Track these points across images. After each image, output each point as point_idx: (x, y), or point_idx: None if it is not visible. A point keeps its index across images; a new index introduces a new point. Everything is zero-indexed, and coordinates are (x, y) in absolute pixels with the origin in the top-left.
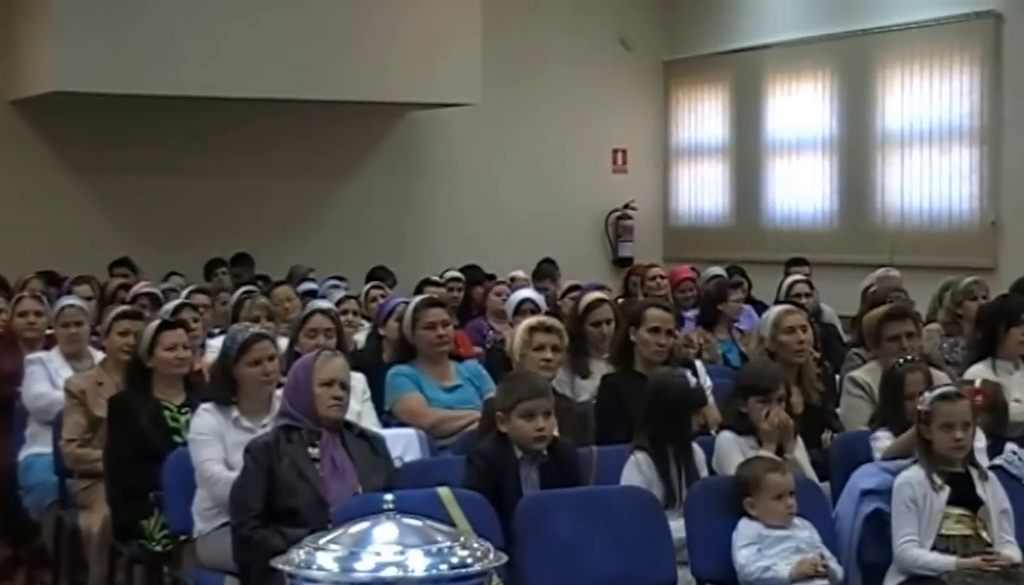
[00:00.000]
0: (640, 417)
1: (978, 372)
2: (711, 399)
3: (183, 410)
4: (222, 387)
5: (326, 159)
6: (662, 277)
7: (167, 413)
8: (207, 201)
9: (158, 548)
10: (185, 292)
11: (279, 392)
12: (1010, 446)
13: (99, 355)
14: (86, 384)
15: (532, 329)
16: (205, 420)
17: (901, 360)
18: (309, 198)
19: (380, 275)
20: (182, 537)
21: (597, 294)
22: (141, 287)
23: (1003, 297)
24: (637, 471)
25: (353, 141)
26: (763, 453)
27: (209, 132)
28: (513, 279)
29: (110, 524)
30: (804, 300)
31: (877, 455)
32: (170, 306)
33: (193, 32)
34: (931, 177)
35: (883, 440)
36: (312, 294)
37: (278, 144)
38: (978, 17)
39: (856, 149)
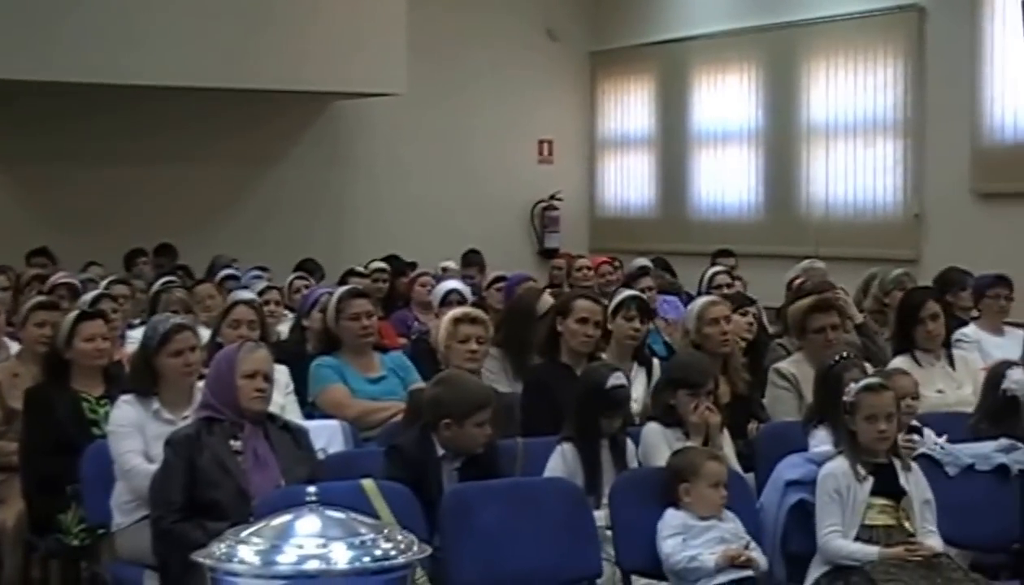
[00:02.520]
0: (569, 409)
1: (899, 363)
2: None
3: (102, 402)
4: (143, 378)
5: (250, 148)
6: (589, 268)
7: (85, 405)
8: (127, 190)
9: (75, 542)
10: (104, 282)
11: (201, 383)
12: (933, 435)
13: (15, 346)
14: (2, 376)
15: (457, 321)
16: (125, 412)
17: (837, 356)
18: (232, 187)
19: (310, 268)
20: (100, 531)
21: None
22: (59, 277)
23: (911, 292)
24: (561, 462)
25: (277, 130)
26: (689, 445)
27: (131, 120)
28: (445, 269)
29: (26, 518)
30: (725, 291)
31: (814, 450)
32: (88, 297)
33: (111, 17)
34: (855, 169)
35: (821, 437)
36: (235, 280)
37: (201, 133)
38: (901, 11)
39: (781, 141)
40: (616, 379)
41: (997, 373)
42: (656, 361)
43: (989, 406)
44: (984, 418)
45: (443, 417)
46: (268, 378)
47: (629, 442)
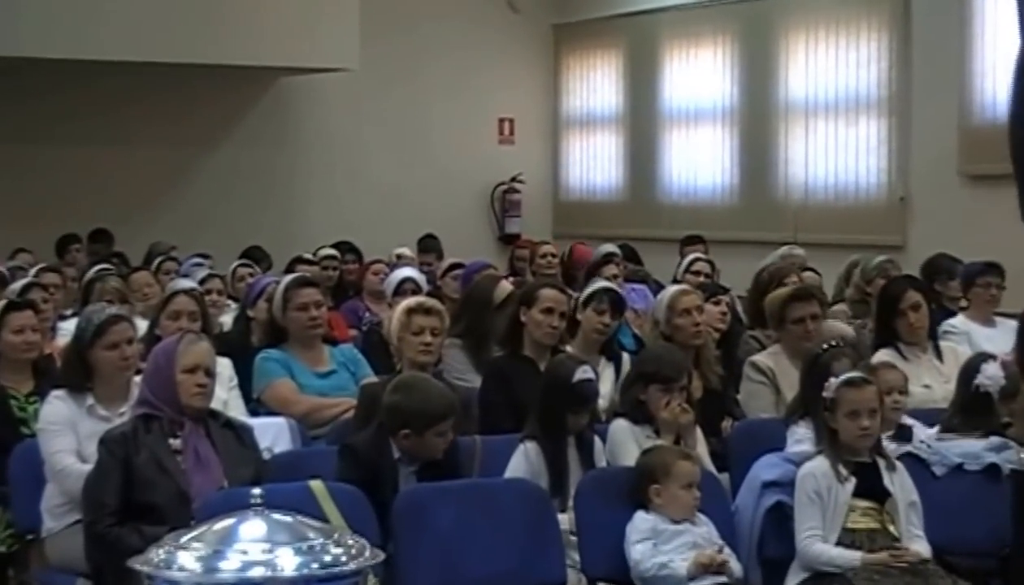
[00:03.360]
0: (532, 404)
1: (883, 356)
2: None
3: (31, 399)
4: (76, 372)
5: (191, 127)
6: (553, 255)
7: (13, 402)
8: (59, 172)
9: (2, 548)
10: (34, 270)
11: (138, 378)
12: (923, 432)
13: None
14: None
15: (410, 311)
16: (56, 408)
17: (826, 345)
18: (172, 169)
19: (255, 255)
20: (29, 536)
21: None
22: None
23: (891, 281)
24: (524, 461)
25: (220, 108)
26: (660, 444)
27: (62, 97)
28: (399, 256)
29: None
30: (703, 279)
31: (794, 450)
32: (17, 286)
33: None
34: (837, 150)
35: (801, 435)
36: (175, 267)
37: (138, 111)
38: None
39: (758, 120)
40: (584, 373)
41: (971, 366)
42: (625, 355)
43: (962, 401)
44: (957, 413)
45: (402, 427)
46: (210, 372)
47: (597, 440)
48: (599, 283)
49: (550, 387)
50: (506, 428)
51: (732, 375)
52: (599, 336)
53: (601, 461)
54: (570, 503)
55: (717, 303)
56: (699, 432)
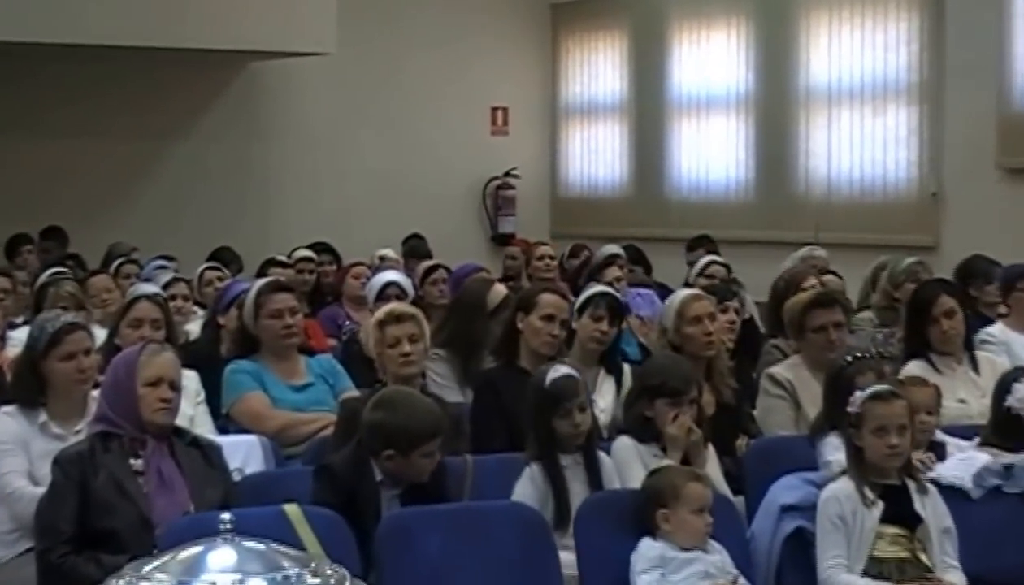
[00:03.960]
0: (528, 422)
1: (914, 369)
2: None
3: None
4: (27, 386)
5: (154, 117)
6: (551, 257)
7: None
8: (10, 166)
9: None
10: None
11: (96, 392)
12: (959, 448)
13: None
14: None
15: (381, 324)
16: (6, 426)
17: (851, 356)
18: (133, 163)
19: (224, 258)
20: None
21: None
22: None
23: (923, 285)
24: (531, 486)
25: (186, 96)
26: (667, 463)
27: (12, 84)
28: (382, 259)
29: None
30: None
31: (828, 459)
32: None
33: None
34: (862, 141)
35: (838, 443)
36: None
37: (95, 99)
38: None
39: (775, 108)
40: (556, 371)
41: (1004, 383)
42: (627, 367)
43: (995, 419)
44: (993, 432)
45: (385, 446)
46: (174, 386)
47: (605, 458)
48: (596, 287)
49: (533, 399)
50: (499, 447)
51: (747, 389)
52: (597, 345)
53: (613, 482)
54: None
55: (724, 310)
56: (711, 451)
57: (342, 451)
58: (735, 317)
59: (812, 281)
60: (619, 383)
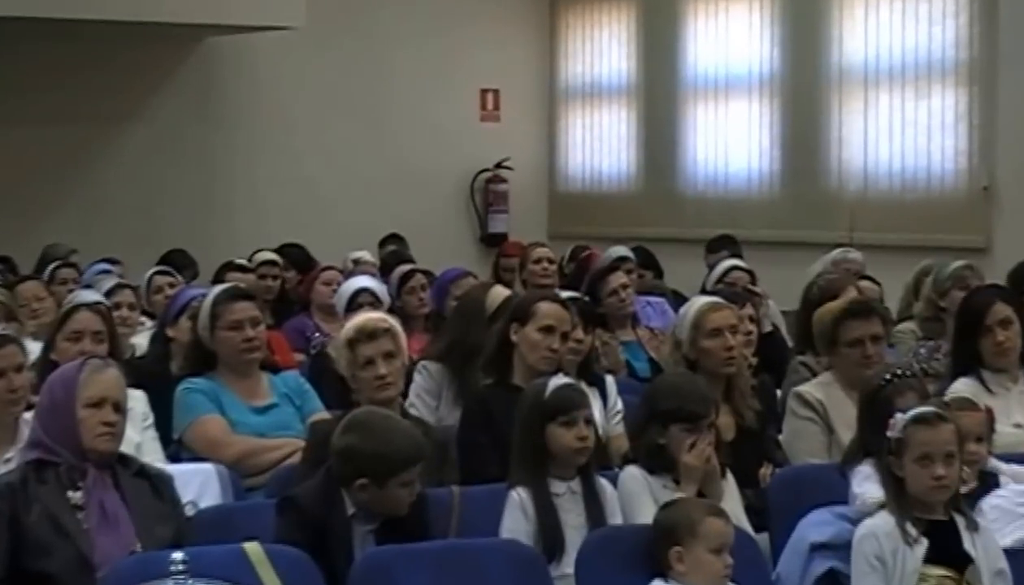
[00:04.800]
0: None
1: (963, 388)
2: (620, 426)
3: None
4: None
5: (96, 100)
6: (550, 261)
7: None
8: None
9: None
10: None
11: (28, 415)
12: (1013, 485)
13: None
14: None
15: (351, 342)
16: None
17: (888, 375)
18: (71, 152)
19: (176, 261)
20: None
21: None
22: None
23: (975, 291)
24: (521, 515)
25: (134, 76)
26: (681, 496)
27: None
28: (356, 262)
29: None
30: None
31: (856, 491)
32: None
33: None
34: (903, 128)
35: (868, 472)
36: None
37: (28, 80)
38: None
39: (805, 91)
40: (559, 379)
41: None
42: (609, 378)
43: None
44: None
45: (357, 475)
46: (119, 408)
47: (609, 488)
48: (566, 293)
49: (525, 412)
50: (491, 476)
51: (772, 411)
52: (573, 355)
53: (615, 515)
54: (569, 569)
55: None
56: (731, 482)
57: (310, 482)
58: (751, 327)
59: (853, 291)
60: (603, 396)
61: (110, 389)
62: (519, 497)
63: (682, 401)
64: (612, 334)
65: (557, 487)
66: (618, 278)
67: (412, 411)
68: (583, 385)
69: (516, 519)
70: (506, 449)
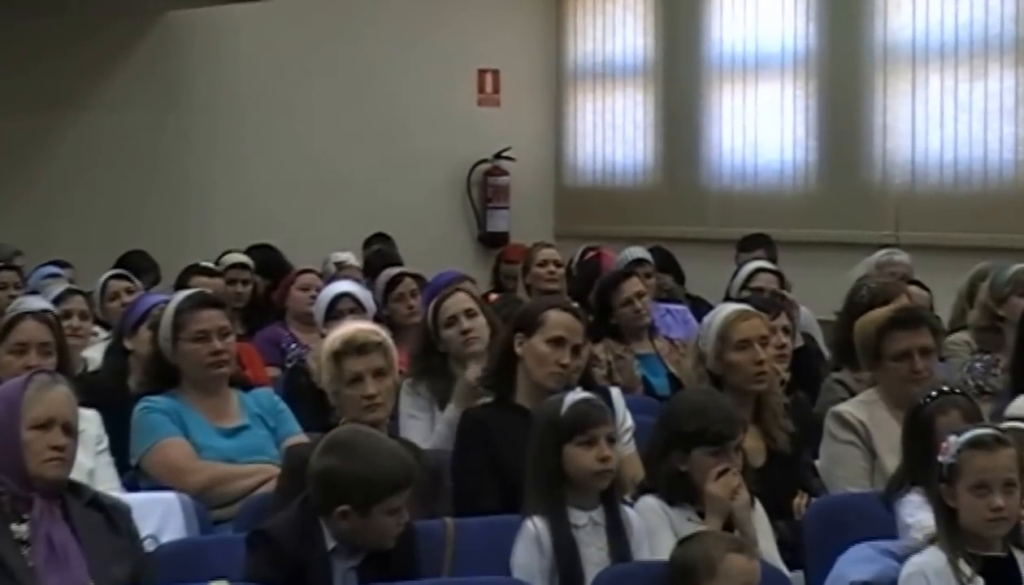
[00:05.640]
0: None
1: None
2: (631, 446)
3: None
4: None
5: (42, 82)
6: (557, 264)
7: None
8: None
9: None
10: None
11: None
12: None
13: None
14: None
15: (337, 355)
16: None
17: (933, 392)
18: (14, 142)
19: (136, 265)
20: None
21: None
22: None
23: None
24: (536, 548)
25: (84, 54)
26: (703, 530)
27: None
28: (339, 265)
29: None
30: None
31: (908, 521)
32: None
33: None
34: (956, 114)
35: (919, 502)
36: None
37: None
38: None
39: (844, 72)
40: (576, 394)
41: None
42: (615, 390)
43: None
44: None
45: (339, 503)
46: (69, 429)
47: (635, 517)
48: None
49: (540, 432)
50: (489, 506)
51: (807, 433)
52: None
53: (642, 548)
54: None
55: (771, 331)
56: (760, 512)
57: (284, 512)
58: (784, 339)
59: (904, 298)
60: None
61: (59, 408)
62: (534, 528)
63: (706, 422)
64: (626, 347)
65: (578, 517)
66: (633, 285)
67: (407, 436)
68: None
69: (530, 553)
70: (506, 476)
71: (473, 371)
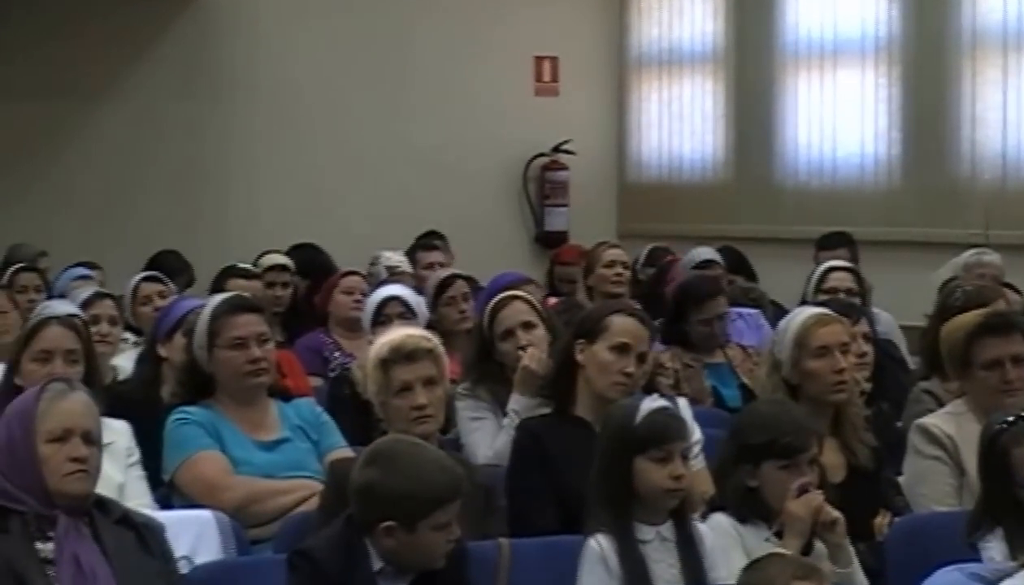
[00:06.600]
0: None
1: None
2: (700, 460)
3: None
4: None
5: (69, 70)
6: (624, 265)
7: None
8: None
9: None
10: None
11: None
12: None
13: None
14: None
15: (385, 363)
16: None
17: (1010, 417)
18: (40, 134)
19: (169, 267)
20: None
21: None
22: None
23: None
24: (602, 569)
25: (109, 44)
26: (778, 552)
27: None
28: (389, 269)
29: None
30: (843, 297)
31: (989, 544)
32: None
33: None
34: None
35: (998, 551)
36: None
37: None
38: None
39: (930, 58)
40: (652, 401)
41: None
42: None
43: None
44: None
45: (383, 518)
46: (90, 438)
47: (706, 532)
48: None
49: (609, 441)
50: (546, 526)
51: (890, 447)
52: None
53: (716, 565)
54: None
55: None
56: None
57: (327, 531)
58: (865, 347)
59: (1001, 303)
60: None
61: (76, 418)
62: (599, 547)
63: (774, 433)
64: (695, 355)
65: (645, 532)
66: (719, 305)
67: (471, 442)
68: None
69: (597, 574)
70: (564, 494)
71: (533, 356)
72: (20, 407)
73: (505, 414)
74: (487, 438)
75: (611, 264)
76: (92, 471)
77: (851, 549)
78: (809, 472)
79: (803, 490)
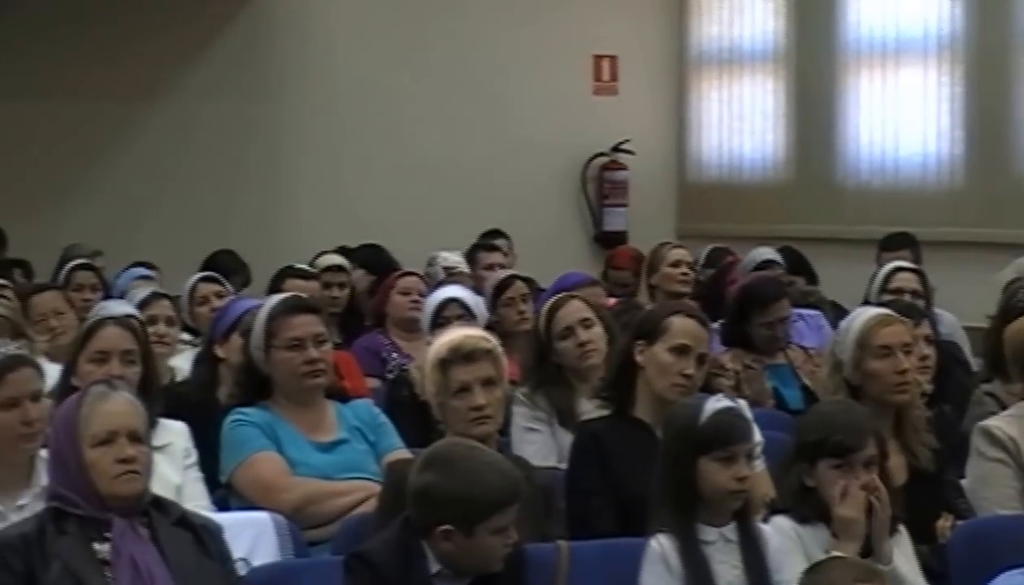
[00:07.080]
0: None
1: None
2: (760, 462)
3: None
4: None
5: (125, 70)
6: (690, 265)
7: None
8: None
9: None
10: None
11: (45, 453)
12: None
13: None
14: None
15: (444, 363)
16: None
17: None
18: (96, 134)
19: (226, 267)
20: None
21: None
22: None
23: None
24: (664, 569)
25: (170, 41)
26: (837, 556)
27: None
28: (448, 271)
29: None
30: (909, 298)
31: None
32: None
33: None
34: None
35: None
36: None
37: (44, 53)
38: None
39: (995, 56)
40: (717, 401)
41: None
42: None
43: None
44: None
45: (440, 522)
46: (137, 437)
47: (769, 533)
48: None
49: (673, 440)
50: (605, 529)
51: (953, 450)
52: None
53: (782, 567)
54: None
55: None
56: (904, 536)
57: (384, 533)
58: (927, 350)
59: None
60: None
61: (119, 419)
62: (661, 547)
63: (828, 430)
64: (756, 357)
65: (707, 533)
66: (782, 308)
67: (521, 451)
68: None
69: (658, 575)
70: (623, 496)
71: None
72: (63, 414)
73: (562, 420)
74: (539, 452)
75: (676, 264)
76: (142, 470)
77: (893, 541)
78: (865, 474)
79: (847, 489)
